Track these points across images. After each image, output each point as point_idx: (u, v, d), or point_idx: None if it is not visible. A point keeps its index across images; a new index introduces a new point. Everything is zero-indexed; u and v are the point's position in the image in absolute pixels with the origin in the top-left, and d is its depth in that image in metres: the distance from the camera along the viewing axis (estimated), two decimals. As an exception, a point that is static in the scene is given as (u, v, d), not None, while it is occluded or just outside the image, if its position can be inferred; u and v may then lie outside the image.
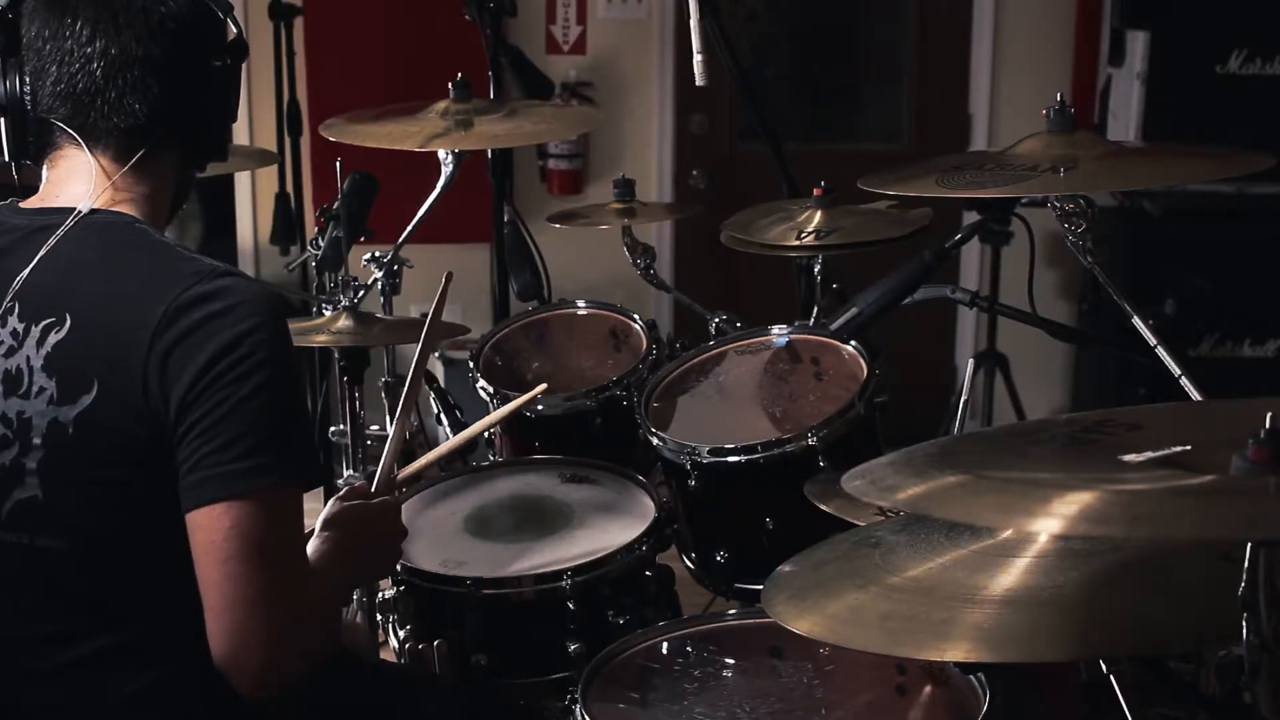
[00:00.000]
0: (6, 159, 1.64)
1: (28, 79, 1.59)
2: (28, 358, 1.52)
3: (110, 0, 1.57)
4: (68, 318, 1.52)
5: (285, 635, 1.47)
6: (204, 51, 1.64)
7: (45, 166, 1.64)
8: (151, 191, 1.63)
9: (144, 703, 1.55)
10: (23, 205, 1.65)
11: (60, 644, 1.54)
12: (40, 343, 1.52)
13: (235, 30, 1.66)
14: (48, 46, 1.58)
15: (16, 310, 1.55)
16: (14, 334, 1.54)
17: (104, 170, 1.60)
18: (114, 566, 1.53)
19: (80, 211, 1.57)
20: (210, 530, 1.46)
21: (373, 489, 1.82)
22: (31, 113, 1.60)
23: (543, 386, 2.14)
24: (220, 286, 1.50)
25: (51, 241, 1.56)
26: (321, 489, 3.18)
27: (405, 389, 1.95)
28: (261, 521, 1.46)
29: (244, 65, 1.67)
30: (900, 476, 1.22)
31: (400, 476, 1.89)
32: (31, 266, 1.55)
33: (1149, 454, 1.16)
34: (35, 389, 1.52)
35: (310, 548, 1.66)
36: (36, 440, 1.51)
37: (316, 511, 1.73)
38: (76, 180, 1.61)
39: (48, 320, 1.53)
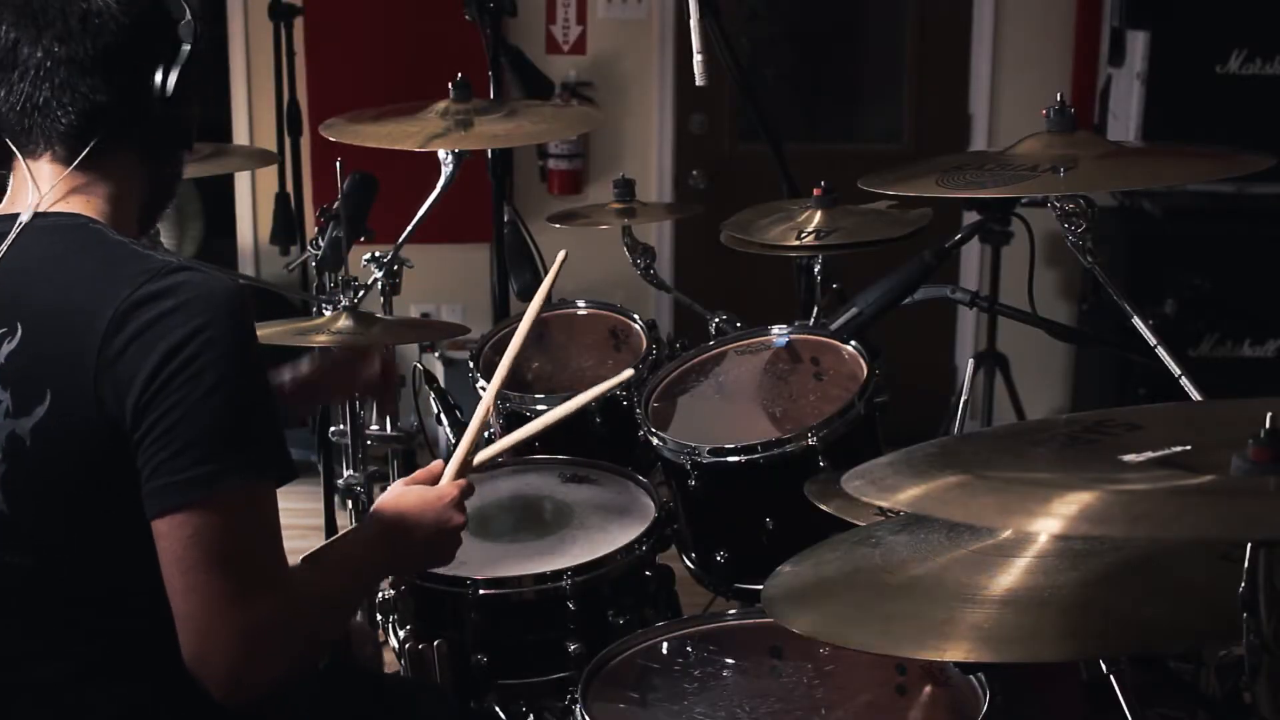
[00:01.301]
0: None
1: None
2: None
3: (28, 5, 1.52)
4: (19, 327, 1.48)
5: (254, 638, 1.43)
6: (140, 41, 1.55)
7: (11, 175, 1.60)
8: (114, 191, 1.58)
9: (133, 716, 1.53)
10: None
11: (37, 659, 1.52)
12: None
13: (187, 14, 1.58)
14: None
15: None
16: None
17: (51, 174, 1.56)
18: (84, 580, 1.50)
19: (22, 221, 1.53)
20: (171, 539, 1.43)
21: (445, 472, 1.82)
22: None
23: (629, 372, 2.07)
24: (170, 284, 1.45)
25: (2, 250, 1.52)
26: (322, 490, 3.20)
27: (496, 375, 1.96)
28: (222, 526, 1.43)
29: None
30: (900, 476, 1.22)
31: (477, 461, 1.86)
32: None
33: (1149, 454, 1.16)
34: None
35: (352, 532, 1.69)
36: None
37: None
38: (28, 187, 1.57)
39: (0, 331, 1.49)
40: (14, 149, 1.56)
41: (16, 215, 1.55)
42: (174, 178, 1.68)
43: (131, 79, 1.56)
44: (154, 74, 1.56)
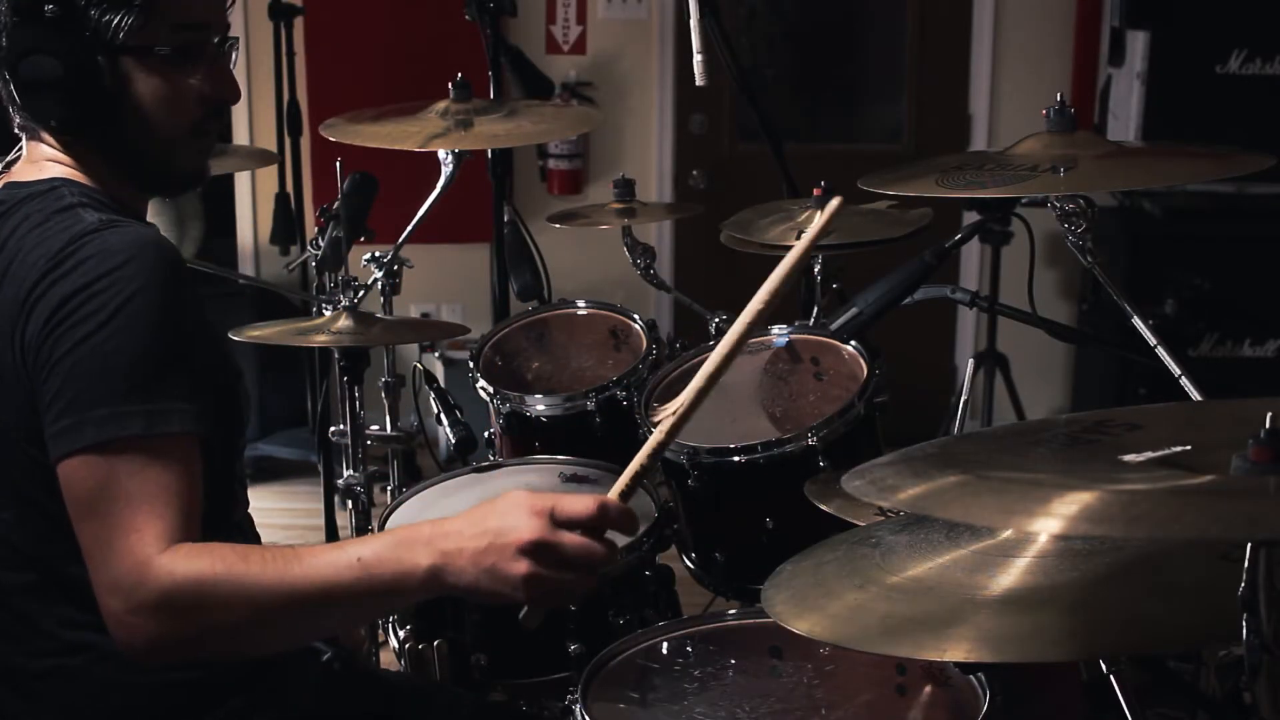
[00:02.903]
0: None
1: None
2: None
3: None
4: None
5: (117, 594, 1.41)
6: (15, 34, 1.56)
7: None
8: (101, 160, 1.62)
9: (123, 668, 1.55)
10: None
11: (27, 604, 1.58)
12: None
13: None
14: None
15: None
16: None
17: (38, 148, 1.63)
18: (62, 537, 1.50)
19: None
20: (62, 487, 1.46)
21: (599, 500, 1.48)
22: None
23: (838, 199, 1.59)
24: (78, 246, 1.48)
25: None
26: (322, 490, 3.20)
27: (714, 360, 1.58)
28: (83, 479, 1.43)
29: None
30: (900, 477, 1.22)
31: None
32: None
33: (1149, 454, 1.16)
34: None
35: (381, 536, 1.50)
36: None
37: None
38: (26, 159, 1.65)
39: None
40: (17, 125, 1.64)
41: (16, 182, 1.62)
42: (139, 143, 1.63)
43: (16, 69, 1.58)
44: (29, 52, 1.56)
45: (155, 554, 1.41)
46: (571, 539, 1.44)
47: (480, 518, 1.45)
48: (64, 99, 1.57)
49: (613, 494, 1.50)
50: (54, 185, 1.59)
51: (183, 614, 1.41)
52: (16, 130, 1.66)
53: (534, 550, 1.42)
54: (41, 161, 1.63)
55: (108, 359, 1.44)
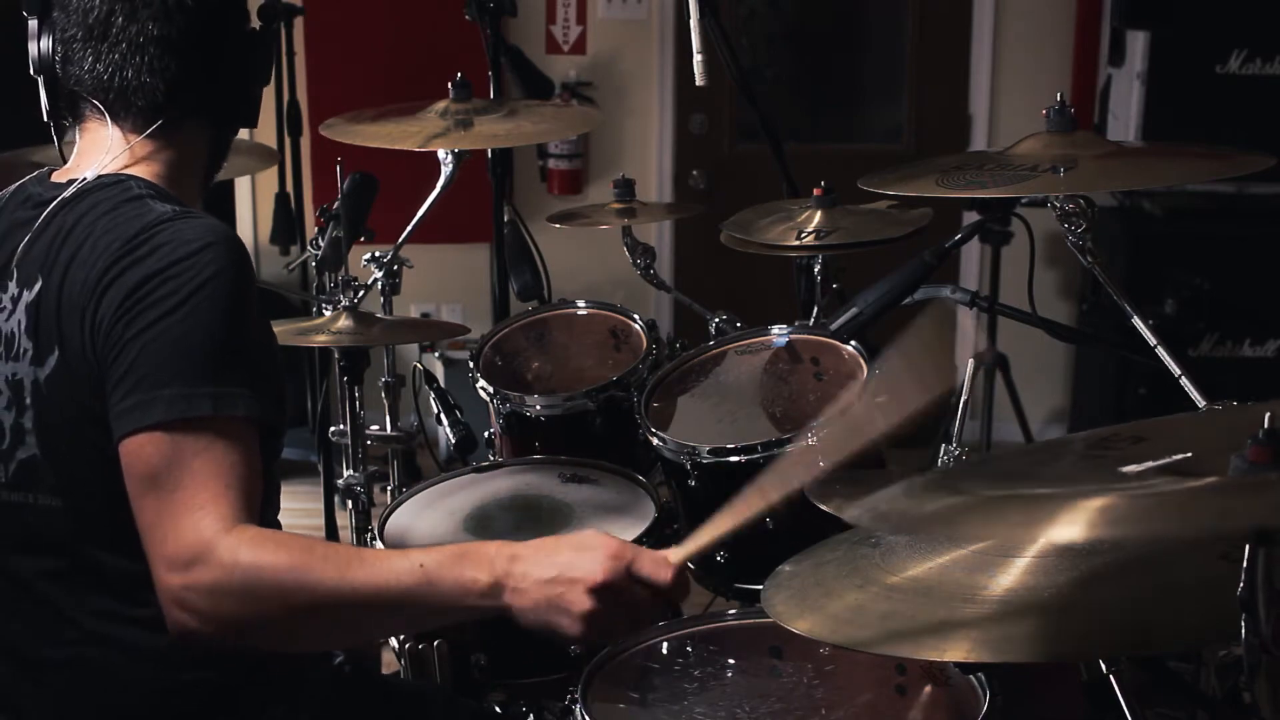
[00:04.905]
0: (45, 119, 1.70)
1: (59, 47, 1.63)
2: (19, 321, 1.57)
3: None
4: (40, 279, 1.56)
5: (182, 566, 1.41)
6: (223, 23, 1.66)
7: (78, 135, 1.68)
8: (177, 157, 1.67)
9: (159, 660, 1.57)
10: (53, 176, 1.67)
11: (67, 598, 1.58)
12: (24, 306, 1.57)
13: None
14: (74, 22, 1.62)
15: (15, 276, 1.59)
16: (12, 299, 1.59)
17: (122, 139, 1.64)
18: (109, 523, 1.53)
19: (83, 180, 1.61)
20: (123, 465, 1.47)
21: (657, 552, 1.54)
22: (62, 83, 1.65)
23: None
24: (152, 234, 1.52)
25: (51, 209, 1.59)
26: (322, 490, 3.20)
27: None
28: (149, 455, 1.44)
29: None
30: (898, 504, 1.22)
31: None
32: (30, 236, 1.59)
33: (1149, 463, 1.16)
34: (20, 350, 1.56)
35: (461, 548, 1.51)
36: (27, 401, 1.55)
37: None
38: (99, 150, 1.64)
39: (31, 284, 1.57)
40: (101, 110, 1.64)
41: (75, 179, 1.62)
42: (227, 146, 1.78)
43: (211, 58, 1.64)
44: (231, 53, 1.66)
45: (219, 533, 1.42)
46: (641, 592, 1.50)
47: (553, 549, 1.50)
48: (221, 86, 1.67)
49: (686, 552, 1.56)
50: (121, 179, 1.61)
51: (241, 598, 1.41)
52: (89, 114, 1.65)
53: (603, 591, 1.47)
54: (107, 155, 1.63)
55: (180, 341, 1.47)
